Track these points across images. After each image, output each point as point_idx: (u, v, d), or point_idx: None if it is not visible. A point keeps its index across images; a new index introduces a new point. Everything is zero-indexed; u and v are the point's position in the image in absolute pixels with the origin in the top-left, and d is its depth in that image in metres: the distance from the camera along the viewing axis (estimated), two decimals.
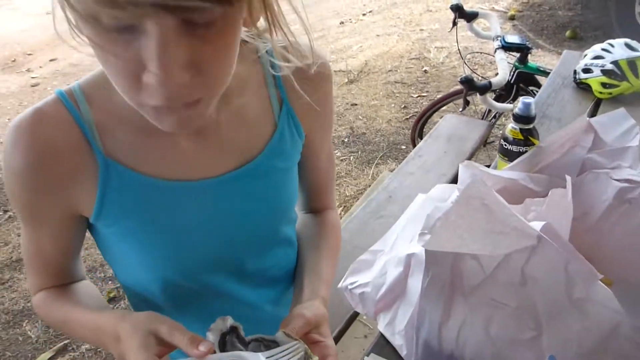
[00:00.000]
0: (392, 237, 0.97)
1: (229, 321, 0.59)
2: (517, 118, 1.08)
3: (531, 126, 1.09)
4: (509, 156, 1.10)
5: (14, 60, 6.51)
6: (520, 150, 1.09)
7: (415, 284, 0.83)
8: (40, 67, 6.19)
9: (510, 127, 1.10)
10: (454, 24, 2.23)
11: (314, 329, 0.65)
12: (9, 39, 7.17)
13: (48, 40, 6.97)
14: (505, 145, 1.11)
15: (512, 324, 0.67)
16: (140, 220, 0.67)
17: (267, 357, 0.57)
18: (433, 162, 1.83)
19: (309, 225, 0.90)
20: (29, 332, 2.25)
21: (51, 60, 6.31)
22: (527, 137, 1.09)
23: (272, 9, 0.53)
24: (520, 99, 1.08)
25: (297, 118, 0.74)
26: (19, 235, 3.07)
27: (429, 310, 0.73)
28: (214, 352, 0.56)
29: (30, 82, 5.77)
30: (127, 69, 0.48)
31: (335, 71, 4.40)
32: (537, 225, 0.63)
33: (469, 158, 1.88)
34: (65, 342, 2.18)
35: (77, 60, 6.18)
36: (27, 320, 2.32)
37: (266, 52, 0.71)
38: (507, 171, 0.99)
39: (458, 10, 2.18)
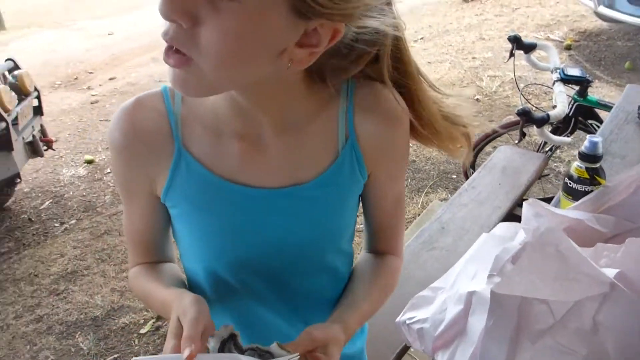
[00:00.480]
0: (453, 274, 0.96)
1: (230, 329, 0.63)
2: (583, 157, 1.07)
3: (597, 165, 1.07)
4: (574, 195, 1.08)
5: (76, 78, 6.81)
6: (586, 189, 1.07)
7: (477, 322, 0.82)
8: (100, 85, 6.46)
9: (576, 165, 1.08)
10: (511, 54, 2.22)
11: (320, 348, 0.66)
12: (73, 57, 7.53)
13: (108, 60, 7.30)
14: (570, 183, 1.09)
15: None
16: (195, 209, 0.74)
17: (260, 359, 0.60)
18: (487, 194, 1.80)
19: (366, 261, 0.91)
20: (81, 343, 2.33)
21: (110, 79, 6.58)
22: (593, 177, 1.07)
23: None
24: (587, 136, 1.07)
25: (361, 155, 0.76)
26: (75, 248, 3.19)
27: (493, 352, 0.72)
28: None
29: (90, 99, 6.01)
30: None
31: None
32: (610, 272, 0.62)
33: (525, 191, 1.85)
34: (115, 355, 2.24)
35: (135, 79, 6.44)
36: (79, 332, 2.40)
37: (347, 88, 0.74)
38: (572, 210, 0.97)
39: (516, 41, 2.16)
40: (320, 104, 0.73)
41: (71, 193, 3.97)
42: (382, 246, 0.90)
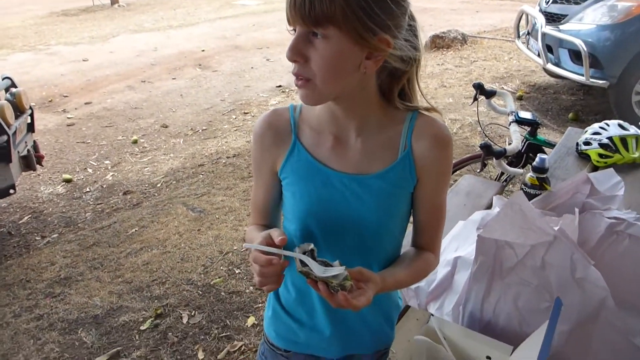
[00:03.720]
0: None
1: (311, 245, 0.94)
2: (535, 169, 1.43)
3: (545, 175, 1.44)
4: (528, 197, 1.44)
5: (50, 101, 6.84)
6: (536, 193, 1.43)
7: (461, 278, 1.14)
8: (76, 109, 6.51)
9: (529, 175, 1.45)
10: (475, 99, 2.62)
11: (362, 280, 0.94)
12: (47, 80, 7.58)
13: (83, 85, 7.39)
14: (525, 188, 1.45)
15: (534, 297, 0.98)
16: (299, 179, 1.06)
17: (325, 267, 0.89)
18: (455, 212, 2.15)
19: (409, 250, 1.16)
20: (84, 338, 2.51)
21: (86, 104, 6.65)
22: (542, 184, 1.43)
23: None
24: (538, 155, 1.44)
25: (413, 163, 1.04)
26: (64, 257, 3.34)
27: (475, 289, 1.04)
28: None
29: (67, 122, 6.06)
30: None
31: None
32: (554, 227, 0.96)
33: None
34: (118, 349, 2.44)
35: (111, 105, 6.55)
36: (81, 328, 2.58)
37: (412, 115, 1.04)
38: None
39: (479, 88, 2.57)
40: (391, 122, 1.04)
41: (50, 209, 4.07)
42: (422, 242, 1.13)
